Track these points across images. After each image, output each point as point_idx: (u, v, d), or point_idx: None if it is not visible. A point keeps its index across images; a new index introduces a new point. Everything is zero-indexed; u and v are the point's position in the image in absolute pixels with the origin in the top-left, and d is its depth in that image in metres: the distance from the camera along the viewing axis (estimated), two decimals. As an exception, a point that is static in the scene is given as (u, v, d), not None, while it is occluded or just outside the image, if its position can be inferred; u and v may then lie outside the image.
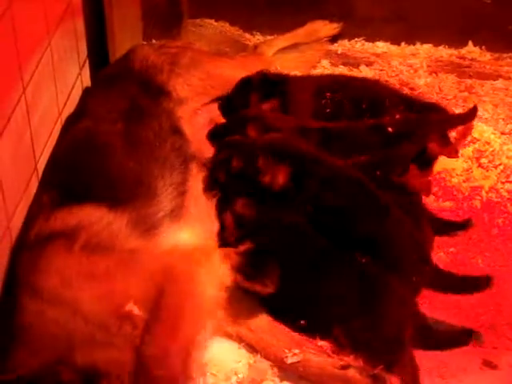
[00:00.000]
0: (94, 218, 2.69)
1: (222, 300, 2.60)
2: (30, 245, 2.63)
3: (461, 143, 3.55)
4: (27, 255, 2.59)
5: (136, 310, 2.43)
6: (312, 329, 2.68)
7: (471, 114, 3.55)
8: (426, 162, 3.37)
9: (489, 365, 2.66)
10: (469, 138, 3.58)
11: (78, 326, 2.39)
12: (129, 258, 2.58)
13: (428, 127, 3.37)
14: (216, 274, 2.60)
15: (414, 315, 2.67)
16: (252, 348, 2.72)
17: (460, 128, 3.55)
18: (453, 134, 3.53)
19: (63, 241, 2.59)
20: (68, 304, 2.42)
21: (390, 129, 3.29)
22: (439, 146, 3.39)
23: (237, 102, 3.51)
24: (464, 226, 3.16)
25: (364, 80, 3.84)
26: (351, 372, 2.56)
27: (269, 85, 3.54)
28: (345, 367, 2.58)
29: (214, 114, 3.52)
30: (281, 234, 2.79)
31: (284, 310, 2.71)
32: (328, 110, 3.47)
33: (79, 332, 2.38)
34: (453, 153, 3.47)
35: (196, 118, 3.46)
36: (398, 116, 3.38)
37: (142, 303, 2.44)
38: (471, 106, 3.63)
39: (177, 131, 3.28)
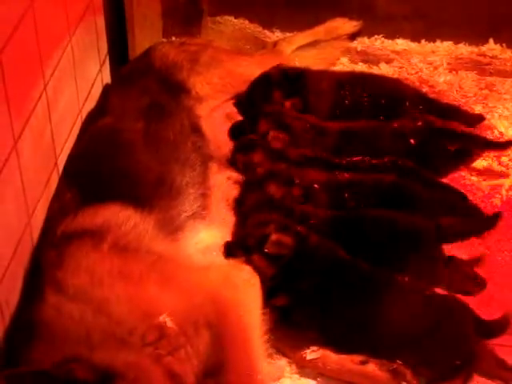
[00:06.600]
0: (120, 218, 2.68)
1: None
2: (56, 242, 2.62)
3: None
4: (53, 252, 2.58)
5: (169, 323, 2.40)
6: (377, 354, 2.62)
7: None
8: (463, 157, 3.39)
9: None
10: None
11: (101, 325, 2.36)
12: (163, 266, 2.56)
13: (451, 140, 3.35)
14: (258, 295, 2.61)
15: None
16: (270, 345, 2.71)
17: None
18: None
19: (90, 239, 2.58)
20: (95, 302, 2.40)
21: (411, 140, 3.28)
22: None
23: (256, 98, 3.50)
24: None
25: (384, 77, 3.84)
26: (370, 367, 2.57)
27: (289, 81, 3.53)
28: (364, 362, 2.58)
29: (229, 111, 3.52)
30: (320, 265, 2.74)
31: (345, 341, 2.66)
32: (347, 103, 3.47)
33: (101, 331, 2.35)
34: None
35: (213, 115, 3.47)
36: (419, 123, 3.35)
37: (175, 318, 2.41)
38: (490, 105, 3.60)
39: (196, 130, 3.29)
